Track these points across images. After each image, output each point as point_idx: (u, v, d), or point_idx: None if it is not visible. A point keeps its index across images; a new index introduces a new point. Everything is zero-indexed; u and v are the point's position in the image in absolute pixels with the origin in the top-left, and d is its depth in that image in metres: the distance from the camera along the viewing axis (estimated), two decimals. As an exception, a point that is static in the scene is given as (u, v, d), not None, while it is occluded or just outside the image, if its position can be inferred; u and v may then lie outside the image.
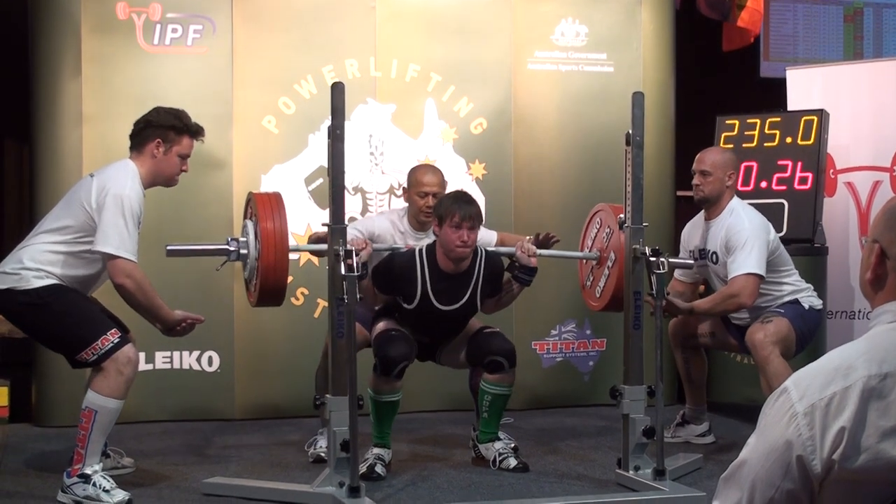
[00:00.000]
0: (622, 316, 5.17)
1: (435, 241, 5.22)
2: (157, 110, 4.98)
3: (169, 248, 5.02)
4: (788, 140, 6.77)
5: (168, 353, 6.43)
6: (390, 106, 6.59)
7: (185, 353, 6.45)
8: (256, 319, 6.54)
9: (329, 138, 4.70)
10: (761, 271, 5.40)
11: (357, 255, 4.69)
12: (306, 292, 6.59)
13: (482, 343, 5.30)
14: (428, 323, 5.27)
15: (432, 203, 5.36)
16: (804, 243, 6.60)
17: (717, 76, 8.90)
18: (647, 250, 4.94)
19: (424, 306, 5.19)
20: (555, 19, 6.96)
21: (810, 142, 6.77)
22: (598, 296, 5.46)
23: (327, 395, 4.64)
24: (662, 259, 4.96)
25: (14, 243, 4.92)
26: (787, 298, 5.57)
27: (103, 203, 4.66)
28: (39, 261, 4.73)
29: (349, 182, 6.17)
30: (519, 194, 6.78)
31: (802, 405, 1.90)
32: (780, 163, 6.77)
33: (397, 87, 6.68)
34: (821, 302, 5.70)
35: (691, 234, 5.83)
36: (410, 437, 6.01)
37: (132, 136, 4.94)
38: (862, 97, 7.17)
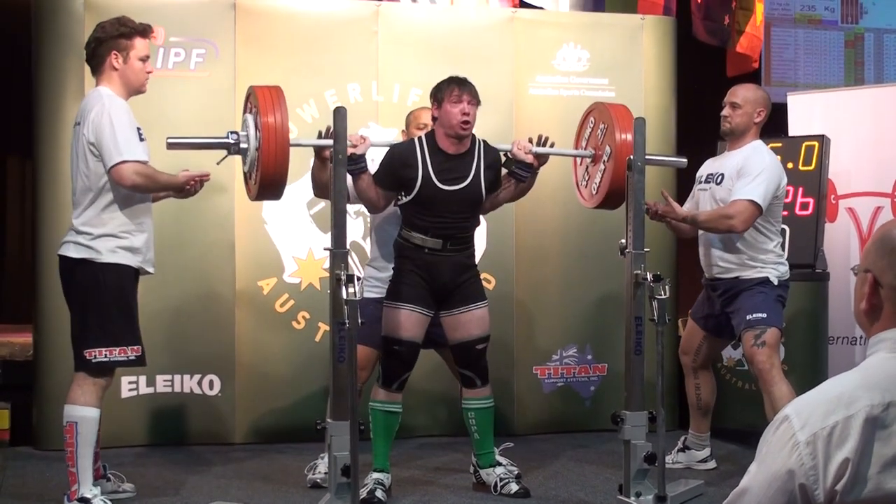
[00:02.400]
0: (623, 341, 5.16)
1: (432, 129, 5.24)
2: (101, 25, 4.98)
3: (169, 140, 4.93)
4: (790, 165, 6.78)
5: (169, 377, 6.43)
6: (393, 130, 6.60)
7: (186, 377, 6.44)
8: (257, 343, 6.54)
9: (331, 162, 4.71)
10: (763, 204, 5.43)
11: (354, 147, 4.90)
12: (307, 316, 6.59)
13: (465, 352, 5.27)
14: (434, 208, 5.15)
15: None
16: (805, 269, 6.60)
17: (718, 101, 8.92)
18: (649, 276, 4.94)
19: (427, 189, 5.12)
20: (556, 44, 6.99)
21: (811, 167, 6.78)
22: (593, 193, 5.44)
23: (328, 420, 4.63)
24: (664, 285, 4.95)
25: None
26: (760, 264, 5.56)
27: (96, 127, 4.71)
28: (100, 222, 4.76)
29: (351, 206, 6.18)
30: (520, 219, 6.78)
31: (804, 434, 1.90)
32: (781, 188, 6.78)
33: (400, 111, 6.67)
34: (787, 268, 5.68)
35: (708, 165, 5.85)
36: (411, 462, 6.00)
37: (89, 60, 4.96)
38: (863, 123, 7.18)
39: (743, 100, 5.63)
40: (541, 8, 7.66)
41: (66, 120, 6.30)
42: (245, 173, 5.01)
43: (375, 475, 5.18)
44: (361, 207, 6.54)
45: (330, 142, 4.84)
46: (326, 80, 6.64)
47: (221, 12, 6.54)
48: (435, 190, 5.13)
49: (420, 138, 5.23)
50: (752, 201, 5.40)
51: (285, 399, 6.57)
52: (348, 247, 4.76)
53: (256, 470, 5.88)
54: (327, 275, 5.11)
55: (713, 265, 5.68)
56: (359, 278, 4.58)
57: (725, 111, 5.67)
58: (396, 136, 6.27)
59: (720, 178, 5.62)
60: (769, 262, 5.57)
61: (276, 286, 6.58)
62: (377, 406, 5.20)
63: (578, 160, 5.61)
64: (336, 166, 4.67)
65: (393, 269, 5.30)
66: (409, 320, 5.16)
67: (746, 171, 5.48)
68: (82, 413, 4.72)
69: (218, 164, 5.09)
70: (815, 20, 9.61)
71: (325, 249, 4.79)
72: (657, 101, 7.13)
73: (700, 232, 5.72)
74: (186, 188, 4.96)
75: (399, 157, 5.17)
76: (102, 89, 4.85)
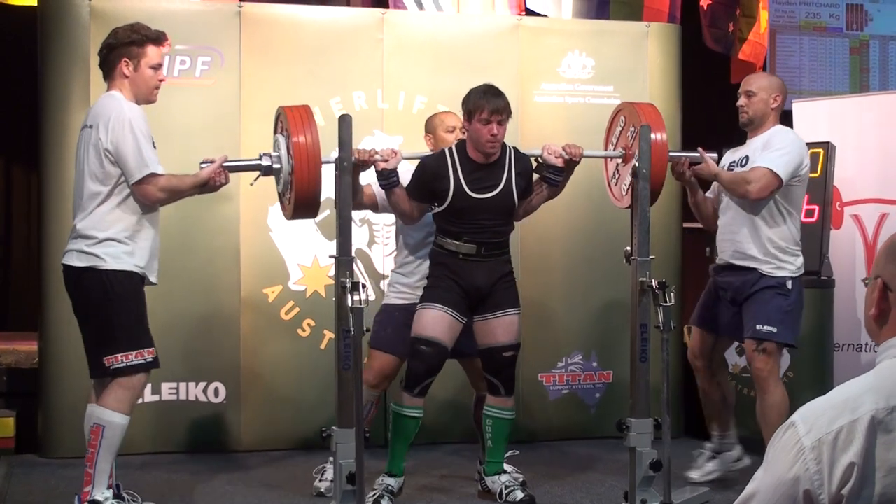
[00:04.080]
0: (629, 348, 5.15)
1: (463, 140, 5.24)
2: (115, 31, 4.92)
3: (203, 164, 4.84)
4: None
5: (174, 385, 6.43)
6: (398, 138, 6.61)
7: (192, 385, 6.44)
8: (262, 350, 6.54)
9: (336, 170, 4.72)
10: (783, 177, 5.35)
11: (386, 161, 4.94)
12: (313, 323, 6.59)
13: (491, 358, 5.23)
14: (466, 216, 5.14)
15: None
16: (811, 276, 6.57)
17: (724, 108, 8.93)
18: (654, 283, 4.93)
19: (459, 200, 5.13)
20: (561, 52, 7.00)
21: (816, 174, 6.76)
22: (623, 193, 5.32)
23: (334, 428, 4.62)
24: (669, 292, 4.93)
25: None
26: (781, 258, 5.45)
27: (116, 136, 4.67)
28: (104, 225, 4.71)
29: (356, 214, 6.19)
30: (525, 226, 6.76)
31: (810, 439, 1.91)
32: (786, 195, 6.77)
33: (405, 119, 6.70)
34: (802, 261, 5.57)
35: (729, 155, 5.73)
36: (416, 468, 5.99)
37: (101, 65, 4.92)
38: (868, 130, 7.17)
39: (757, 87, 5.58)
40: (544, 15, 7.66)
41: (72, 129, 6.31)
42: (279, 193, 5.00)
43: (387, 479, 5.16)
44: (367, 214, 6.57)
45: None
46: (332, 88, 6.64)
47: (227, 20, 6.56)
48: (467, 199, 5.13)
49: (451, 149, 5.23)
50: (771, 170, 5.33)
51: (290, 406, 6.57)
52: (353, 254, 4.76)
53: (262, 477, 5.88)
54: (332, 282, 5.12)
55: (737, 250, 5.52)
56: (363, 286, 4.56)
57: (741, 101, 5.60)
58: (413, 145, 6.28)
59: (745, 160, 5.53)
60: (790, 253, 5.47)
61: (282, 294, 6.58)
62: (397, 409, 5.19)
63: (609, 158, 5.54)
64: (342, 174, 4.68)
65: (427, 276, 5.28)
66: (441, 321, 5.13)
67: (770, 146, 5.44)
68: (110, 418, 4.70)
69: (251, 184, 5.14)
70: (821, 27, 9.61)
71: (331, 257, 4.79)
72: (662, 107, 7.04)
73: (729, 213, 5.59)
74: (213, 183, 4.84)
75: (430, 170, 5.17)
76: (116, 94, 4.81)
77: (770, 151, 5.42)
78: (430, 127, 5.66)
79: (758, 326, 5.43)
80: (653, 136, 5.12)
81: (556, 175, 5.26)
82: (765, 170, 5.35)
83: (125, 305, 4.75)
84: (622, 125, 5.40)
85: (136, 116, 4.73)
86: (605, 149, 5.54)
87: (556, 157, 5.21)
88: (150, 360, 4.79)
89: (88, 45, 6.30)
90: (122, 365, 4.72)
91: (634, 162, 5.14)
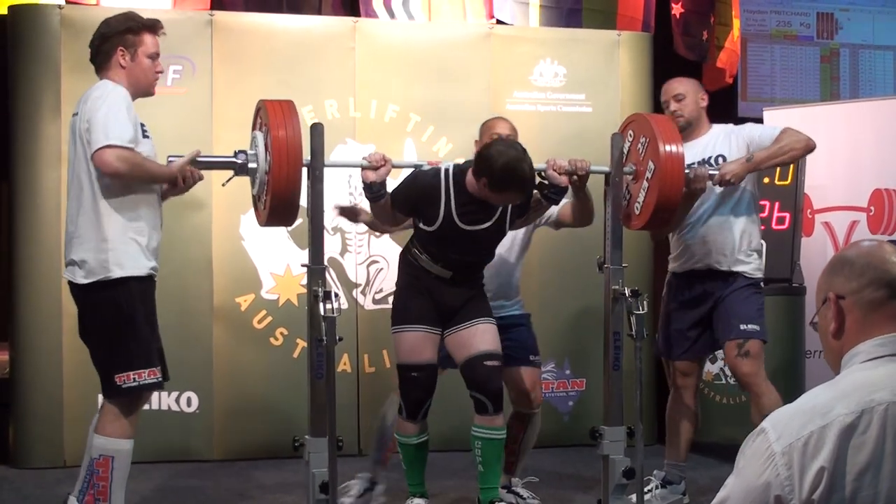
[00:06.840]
0: (601, 356, 5.14)
1: (465, 162, 4.88)
2: (106, 21, 4.57)
3: (170, 158, 4.60)
4: (766, 180, 6.80)
5: (146, 394, 6.39)
6: (370, 146, 6.57)
7: (164, 394, 6.40)
8: (235, 360, 6.52)
9: (308, 179, 4.70)
10: None
11: (375, 171, 4.71)
12: (285, 332, 6.58)
13: (473, 370, 4.91)
14: (450, 245, 4.85)
15: None
16: (782, 283, 6.62)
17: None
18: (627, 291, 4.91)
19: (447, 227, 4.79)
20: (533, 60, 7.01)
21: (787, 182, 6.81)
22: (637, 213, 5.05)
23: (306, 437, 4.60)
24: (642, 300, 4.90)
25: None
26: (758, 252, 5.45)
27: (90, 109, 4.33)
28: (99, 227, 4.35)
29: (328, 222, 6.17)
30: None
31: (780, 445, 1.92)
32: (758, 203, 6.80)
33: (376, 127, 6.70)
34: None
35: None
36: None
37: (93, 58, 4.56)
38: (838, 138, 7.22)
39: (685, 90, 5.45)
40: (511, 24, 7.66)
41: (43, 137, 6.30)
42: (254, 196, 4.80)
43: (416, 501, 5.04)
44: (338, 223, 6.55)
45: (358, 161, 4.81)
46: (304, 97, 6.61)
47: (198, 29, 6.54)
48: (456, 230, 4.81)
49: (447, 172, 4.84)
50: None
51: (263, 415, 6.55)
52: (326, 263, 4.75)
53: (234, 487, 5.86)
54: (305, 291, 5.10)
55: (725, 252, 5.33)
56: (336, 294, 4.52)
57: (673, 106, 5.42)
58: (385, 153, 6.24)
59: (721, 159, 5.32)
60: (759, 246, 5.45)
61: (254, 302, 6.57)
62: (405, 440, 5.00)
63: None
64: (314, 183, 4.65)
65: (395, 284, 5.09)
66: (423, 341, 4.91)
67: (755, 126, 5.47)
68: (118, 446, 4.45)
69: (223, 185, 4.99)
70: (791, 36, 9.66)
71: (303, 266, 4.77)
72: (634, 116, 7.14)
73: (712, 218, 5.38)
74: (182, 181, 4.54)
75: (421, 192, 4.83)
76: (107, 81, 4.49)
77: (762, 128, 5.49)
78: (481, 132, 5.34)
79: (742, 326, 5.27)
80: (668, 147, 4.91)
81: (557, 195, 4.94)
82: (786, 128, 5.36)
83: (136, 317, 4.45)
84: (631, 138, 5.14)
85: (117, 95, 4.39)
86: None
87: (561, 175, 4.89)
88: (159, 379, 4.52)
89: (59, 54, 6.28)
90: (133, 384, 4.43)
91: (647, 176, 4.96)
